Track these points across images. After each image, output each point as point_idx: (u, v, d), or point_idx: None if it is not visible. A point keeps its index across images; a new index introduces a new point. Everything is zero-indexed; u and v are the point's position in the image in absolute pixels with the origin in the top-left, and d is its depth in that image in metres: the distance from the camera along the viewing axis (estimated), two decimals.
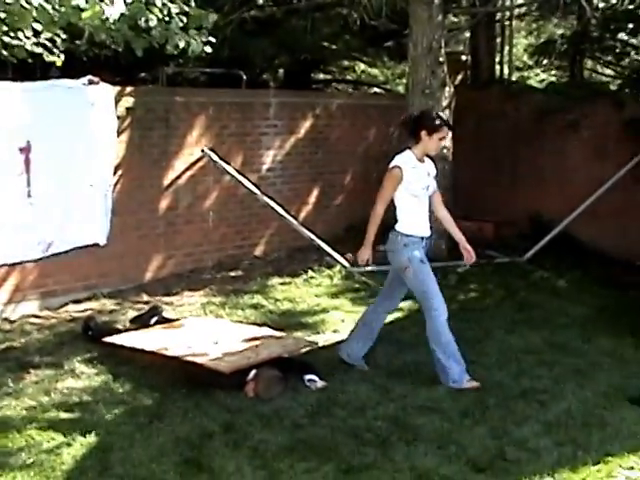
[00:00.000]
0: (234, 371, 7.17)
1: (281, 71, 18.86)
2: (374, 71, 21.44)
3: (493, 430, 6.67)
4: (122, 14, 7.49)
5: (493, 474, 5.97)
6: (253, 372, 7.25)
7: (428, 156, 7.86)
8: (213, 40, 8.43)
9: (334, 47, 17.23)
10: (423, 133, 7.62)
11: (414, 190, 7.63)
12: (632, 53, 16.78)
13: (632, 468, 6.12)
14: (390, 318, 9.54)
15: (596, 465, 6.12)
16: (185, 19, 7.97)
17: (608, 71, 18.75)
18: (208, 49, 8.30)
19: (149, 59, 11.52)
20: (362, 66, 20.88)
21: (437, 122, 7.67)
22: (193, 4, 8.16)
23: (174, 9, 7.84)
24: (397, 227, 7.72)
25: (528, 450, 6.35)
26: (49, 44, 9.90)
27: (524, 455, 6.26)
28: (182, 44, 7.92)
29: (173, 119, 11.04)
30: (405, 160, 7.63)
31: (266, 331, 8.39)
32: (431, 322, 7.63)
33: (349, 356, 7.99)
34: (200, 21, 7.95)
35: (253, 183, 11.57)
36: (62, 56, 10.04)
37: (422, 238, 7.69)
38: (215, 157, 11.26)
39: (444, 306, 7.63)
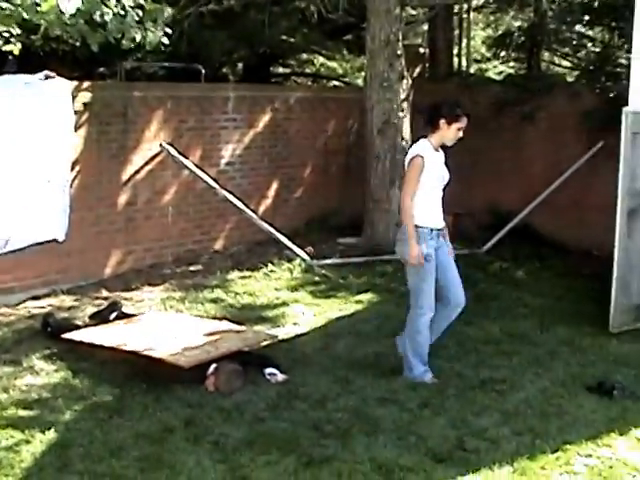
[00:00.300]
0: (194, 365, 7.16)
1: (240, 65, 18.85)
2: (333, 64, 21.44)
3: (452, 420, 6.71)
4: (78, 9, 7.45)
5: (452, 464, 6.00)
6: (213, 366, 7.24)
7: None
8: (169, 31, 8.39)
9: (293, 41, 17.24)
10: (442, 122, 7.43)
11: (432, 180, 7.43)
12: (588, 45, 16.90)
13: (590, 455, 6.19)
14: (351, 310, 9.62)
15: (554, 453, 6.18)
16: (141, 12, 7.93)
17: (565, 63, 18.87)
18: (165, 41, 8.27)
19: (107, 54, 11.48)
20: (321, 59, 20.88)
21: (457, 111, 7.49)
22: None
23: (129, 2, 7.79)
24: None
25: (487, 440, 6.39)
26: (6, 35, 9.82)
27: (483, 445, 6.30)
28: (138, 37, 7.88)
29: (131, 114, 10.98)
30: (425, 149, 7.44)
31: (226, 325, 8.38)
32: (413, 318, 7.52)
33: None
34: (155, 15, 7.92)
35: (212, 177, 11.56)
36: (19, 44, 9.95)
37: (432, 230, 7.44)
38: (173, 152, 11.22)
39: (432, 307, 7.49)
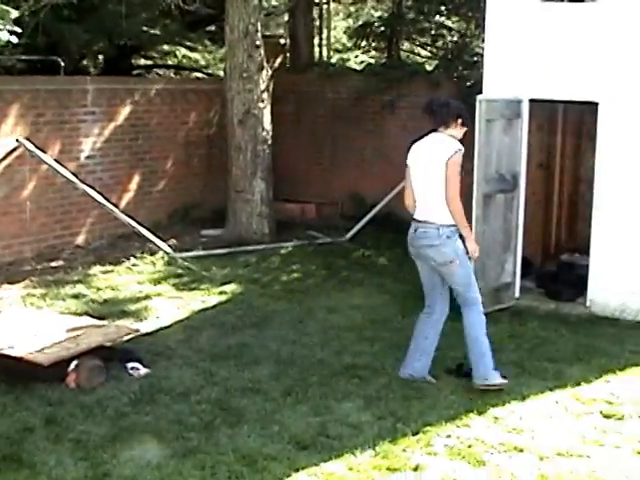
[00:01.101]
0: (54, 363, 7.04)
1: (101, 57, 18.60)
2: (196, 56, 21.34)
3: (315, 408, 6.78)
4: None
5: (315, 450, 6.06)
6: (74, 363, 7.14)
7: None
8: (19, 30, 8.22)
9: (153, 32, 17.09)
10: (459, 121, 7.29)
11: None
12: (446, 34, 17.20)
13: (449, 436, 6.34)
14: (214, 302, 9.61)
15: (415, 435, 6.31)
16: None
17: (424, 52, 19.17)
18: (14, 39, 8.09)
19: None
20: (183, 51, 20.75)
21: (468, 120, 7.44)
22: None
23: None
24: (435, 219, 7.25)
25: (350, 425, 6.48)
26: None
27: (346, 430, 6.39)
28: None
29: None
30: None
31: (87, 321, 8.26)
32: (473, 315, 7.34)
33: (413, 375, 7.44)
34: (2, 15, 7.76)
35: (71, 172, 11.39)
36: None
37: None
38: (30, 146, 11.01)
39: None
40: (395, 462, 5.89)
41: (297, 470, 5.78)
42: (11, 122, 11.04)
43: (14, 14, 8.01)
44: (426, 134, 7.40)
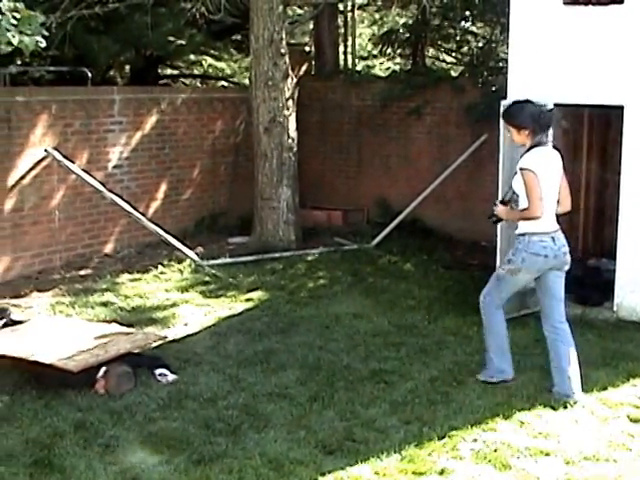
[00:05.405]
0: (83, 369, 7.11)
1: (128, 68, 18.71)
2: (221, 65, 21.43)
3: (342, 413, 6.82)
4: None
5: (342, 455, 6.11)
6: (103, 369, 7.22)
7: None
8: (46, 33, 8.29)
9: (179, 42, 17.18)
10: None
11: None
12: (471, 40, 17.23)
13: (475, 440, 6.36)
14: (240, 308, 9.67)
15: (441, 440, 6.33)
16: (18, 16, 7.84)
17: (449, 58, 19.19)
18: (43, 45, 8.15)
19: None
20: (209, 60, 20.85)
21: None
22: (21, 5, 8.00)
23: (5, 6, 7.69)
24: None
25: (376, 430, 6.51)
26: None
27: (372, 435, 6.43)
28: (15, 41, 7.77)
29: (15, 119, 10.85)
30: None
31: (115, 328, 8.33)
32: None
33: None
34: (30, 21, 7.83)
35: (99, 181, 11.48)
36: None
37: None
38: (59, 156, 11.12)
39: None
40: (421, 466, 5.92)
41: (323, 474, 5.82)
42: (39, 132, 11.15)
43: (41, 19, 8.06)
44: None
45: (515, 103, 7.47)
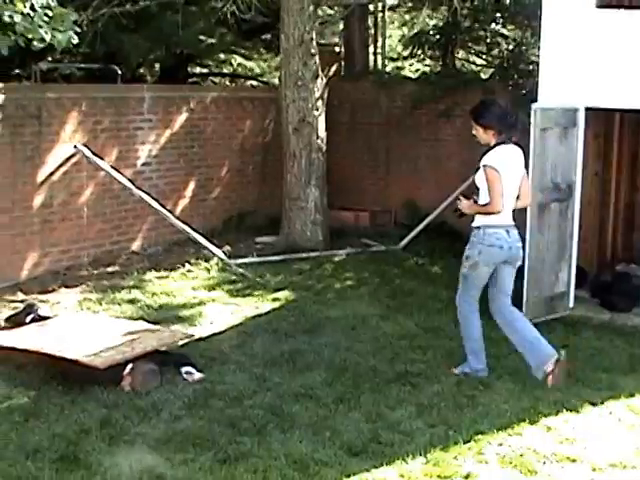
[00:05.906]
0: (109, 366, 7.14)
1: (157, 66, 18.78)
2: (251, 64, 21.46)
3: (367, 414, 6.80)
4: None
5: (367, 457, 6.09)
6: (129, 366, 7.23)
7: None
8: (78, 30, 8.31)
9: (210, 41, 17.24)
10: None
11: None
12: (502, 42, 17.15)
13: (501, 444, 6.33)
14: (267, 308, 9.68)
15: (467, 443, 6.31)
16: (50, 13, 7.88)
17: (479, 61, 19.11)
18: (75, 41, 8.18)
19: (23, 55, 11.34)
20: (239, 59, 20.89)
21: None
22: (54, 3, 8.03)
23: (37, 3, 7.73)
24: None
25: (401, 432, 6.50)
26: None
27: (397, 437, 6.41)
28: (48, 37, 7.81)
29: (45, 115, 10.89)
30: None
31: (142, 325, 8.36)
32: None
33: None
34: (62, 18, 7.87)
35: (128, 178, 11.51)
36: None
37: None
38: (88, 153, 11.15)
39: None
40: (446, 470, 5.90)
41: (348, 476, 5.81)
42: (69, 129, 11.18)
43: (74, 16, 8.10)
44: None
45: (483, 103, 7.83)
